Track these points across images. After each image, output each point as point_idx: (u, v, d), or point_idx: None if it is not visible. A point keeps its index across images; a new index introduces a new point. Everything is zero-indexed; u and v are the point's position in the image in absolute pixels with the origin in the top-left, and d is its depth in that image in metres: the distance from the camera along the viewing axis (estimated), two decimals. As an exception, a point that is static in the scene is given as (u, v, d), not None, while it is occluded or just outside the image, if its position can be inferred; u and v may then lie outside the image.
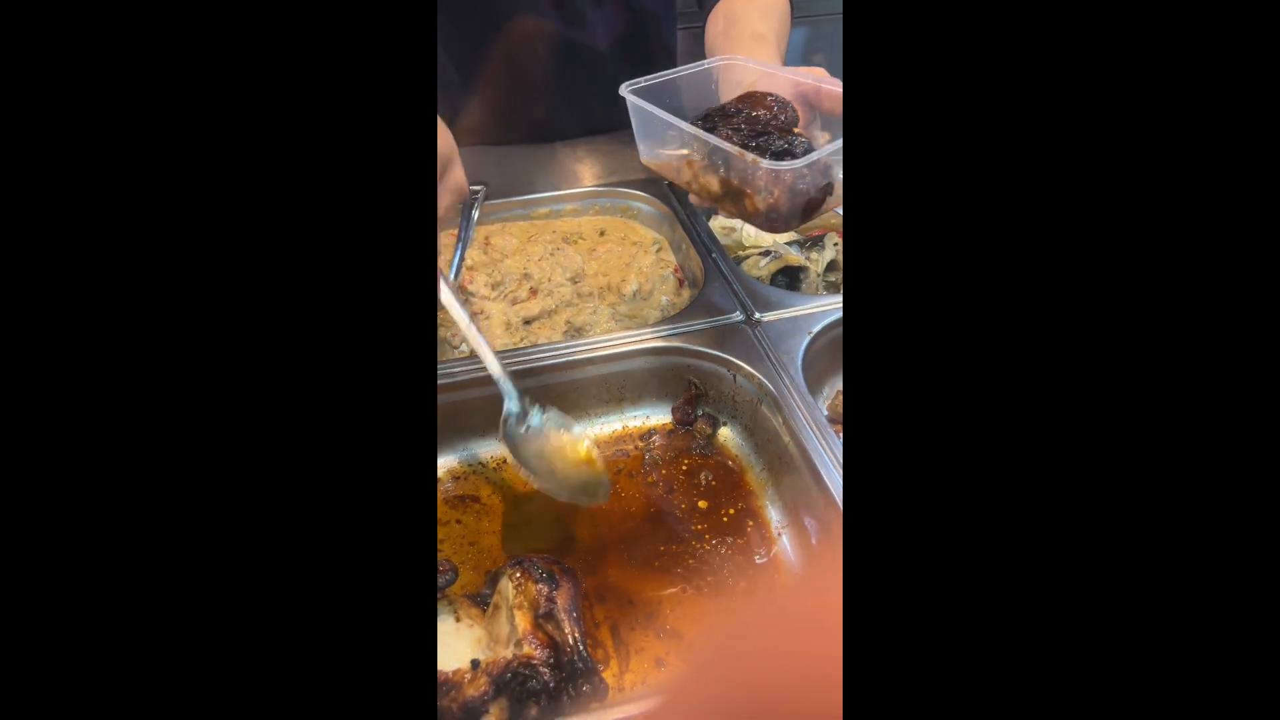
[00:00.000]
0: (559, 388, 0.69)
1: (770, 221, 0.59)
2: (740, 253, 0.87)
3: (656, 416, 0.71)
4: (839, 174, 0.60)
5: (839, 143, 0.56)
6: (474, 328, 0.60)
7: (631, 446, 0.69)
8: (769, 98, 0.62)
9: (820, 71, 0.66)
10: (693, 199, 0.64)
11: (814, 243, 0.85)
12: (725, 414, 0.70)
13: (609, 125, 1.04)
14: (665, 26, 1.07)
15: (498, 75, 1.01)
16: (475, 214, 0.87)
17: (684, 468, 0.67)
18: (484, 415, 0.68)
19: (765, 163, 0.55)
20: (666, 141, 0.64)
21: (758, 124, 0.59)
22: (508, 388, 0.60)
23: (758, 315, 0.72)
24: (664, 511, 0.63)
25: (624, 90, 0.63)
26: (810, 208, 0.59)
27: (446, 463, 0.67)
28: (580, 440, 0.62)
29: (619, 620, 0.55)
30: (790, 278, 0.83)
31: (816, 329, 0.70)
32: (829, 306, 0.72)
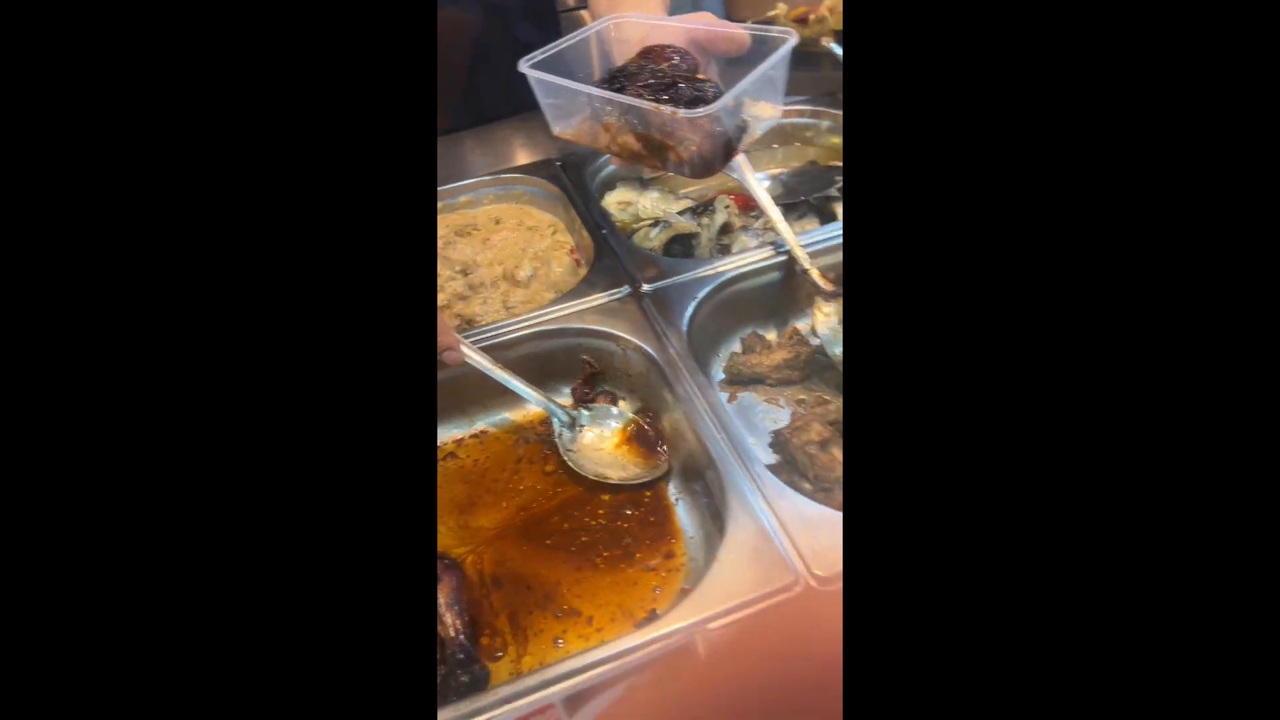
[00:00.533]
0: (452, 382, 0.68)
1: (695, 168, 0.60)
2: (634, 225, 0.86)
3: (556, 399, 0.71)
4: (752, 110, 0.62)
5: (749, 78, 0.57)
6: (502, 370, 0.63)
7: (532, 434, 0.69)
8: (668, 49, 0.63)
9: (708, 16, 0.67)
10: (615, 162, 0.65)
11: (705, 208, 0.85)
12: (622, 389, 0.70)
13: (496, 114, 1.02)
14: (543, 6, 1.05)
15: None
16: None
17: (584, 447, 0.67)
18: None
19: (683, 112, 0.55)
20: (576, 110, 0.64)
21: (664, 77, 0.60)
22: (552, 408, 0.65)
23: (645, 287, 0.72)
24: (564, 494, 0.63)
25: (523, 66, 0.63)
26: (730, 148, 0.61)
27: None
28: (619, 424, 0.66)
29: (517, 606, 0.55)
30: (684, 245, 0.83)
31: (703, 293, 0.70)
32: (718, 270, 0.73)
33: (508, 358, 0.70)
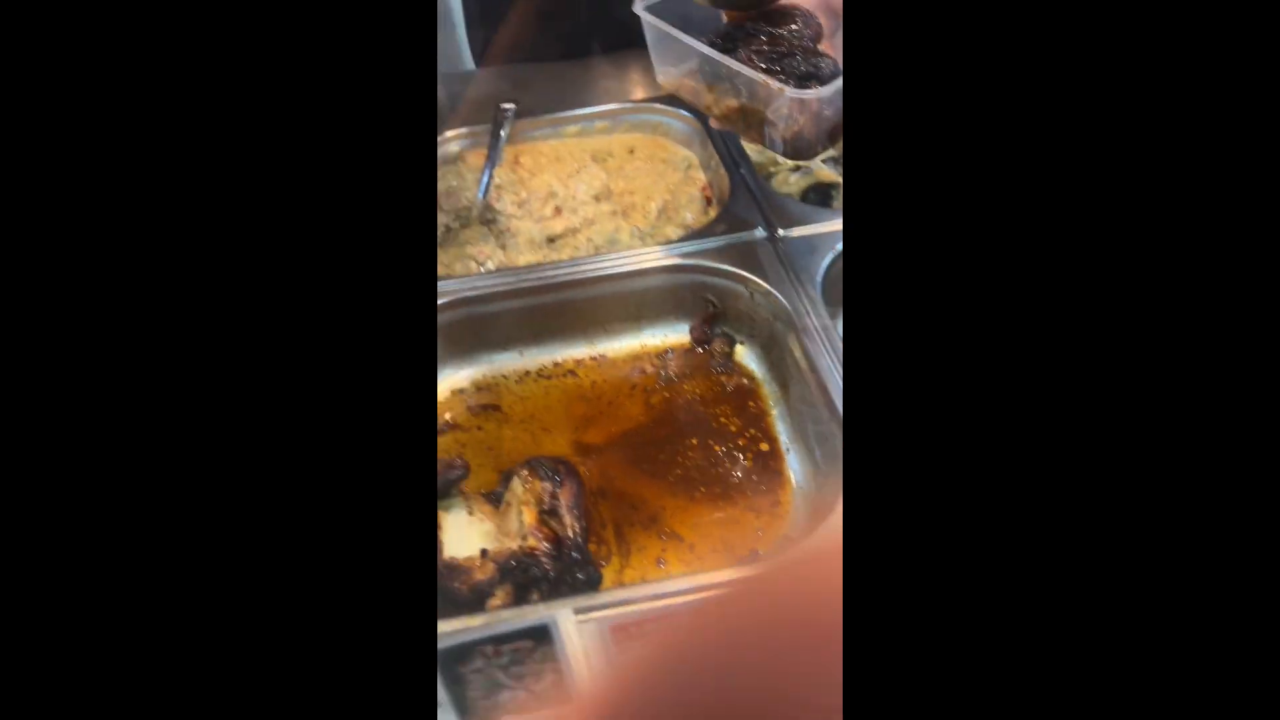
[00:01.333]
0: (577, 304, 0.70)
1: (795, 149, 0.58)
2: (771, 169, 0.84)
3: (674, 335, 0.72)
4: None
5: None
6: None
7: (648, 364, 0.70)
8: (793, 12, 0.59)
9: None
10: (713, 122, 0.63)
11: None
12: (743, 333, 0.70)
13: (641, 39, 1.01)
14: None
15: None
16: (505, 133, 0.88)
17: (698, 385, 0.68)
18: (506, 329, 0.70)
19: (790, 91, 0.52)
20: (685, 60, 0.62)
21: (781, 44, 0.56)
22: None
23: (781, 232, 0.70)
24: (675, 426, 0.65)
25: (638, 7, 0.61)
26: (836, 133, 0.58)
27: (470, 374, 0.70)
28: None
29: (622, 520, 0.57)
30: (822, 195, 0.81)
31: (841, 246, 0.68)
32: (857, 224, 0.70)
33: (634, 288, 0.71)
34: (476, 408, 0.67)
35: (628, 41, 1.02)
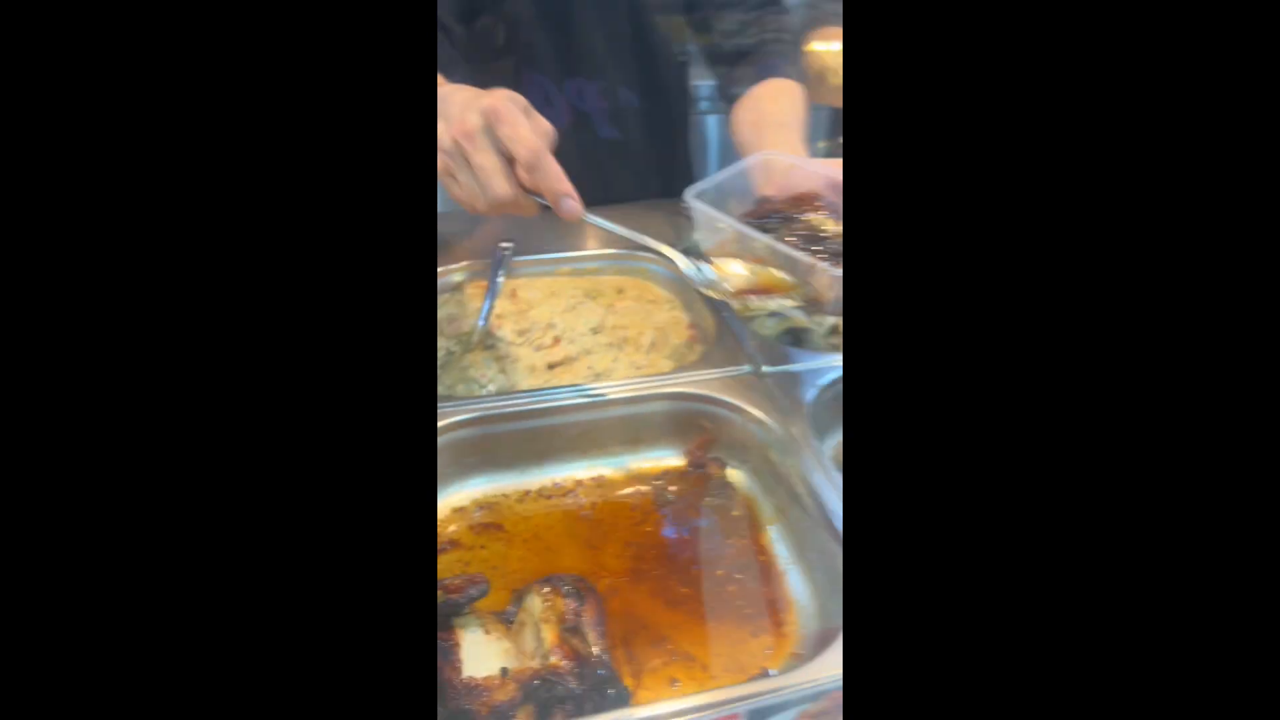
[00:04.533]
0: (578, 427, 0.73)
1: (821, 309, 0.73)
2: (747, 314, 0.93)
3: (670, 459, 0.76)
4: None
5: None
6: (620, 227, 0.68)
7: (646, 486, 0.73)
8: (817, 200, 0.75)
9: (840, 163, 0.77)
10: (736, 298, 0.74)
11: (817, 306, 0.92)
12: (736, 456, 0.75)
13: (628, 196, 1.13)
14: (682, 111, 1.18)
15: None
16: (504, 268, 0.94)
17: (694, 507, 0.71)
18: (511, 449, 0.72)
19: (834, 271, 0.66)
20: (723, 235, 0.75)
21: (814, 229, 0.72)
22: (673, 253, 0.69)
23: (766, 368, 0.78)
24: (677, 546, 0.67)
25: (688, 197, 0.74)
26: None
27: (472, 493, 0.71)
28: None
29: (632, 640, 0.57)
30: (796, 338, 0.90)
31: (824, 382, 0.76)
32: (834, 364, 0.78)
33: (631, 413, 0.75)
34: (479, 526, 0.68)
35: (611, 199, 1.15)
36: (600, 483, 0.73)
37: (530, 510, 0.70)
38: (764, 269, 0.71)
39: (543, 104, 1.06)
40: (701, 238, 0.75)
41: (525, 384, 0.81)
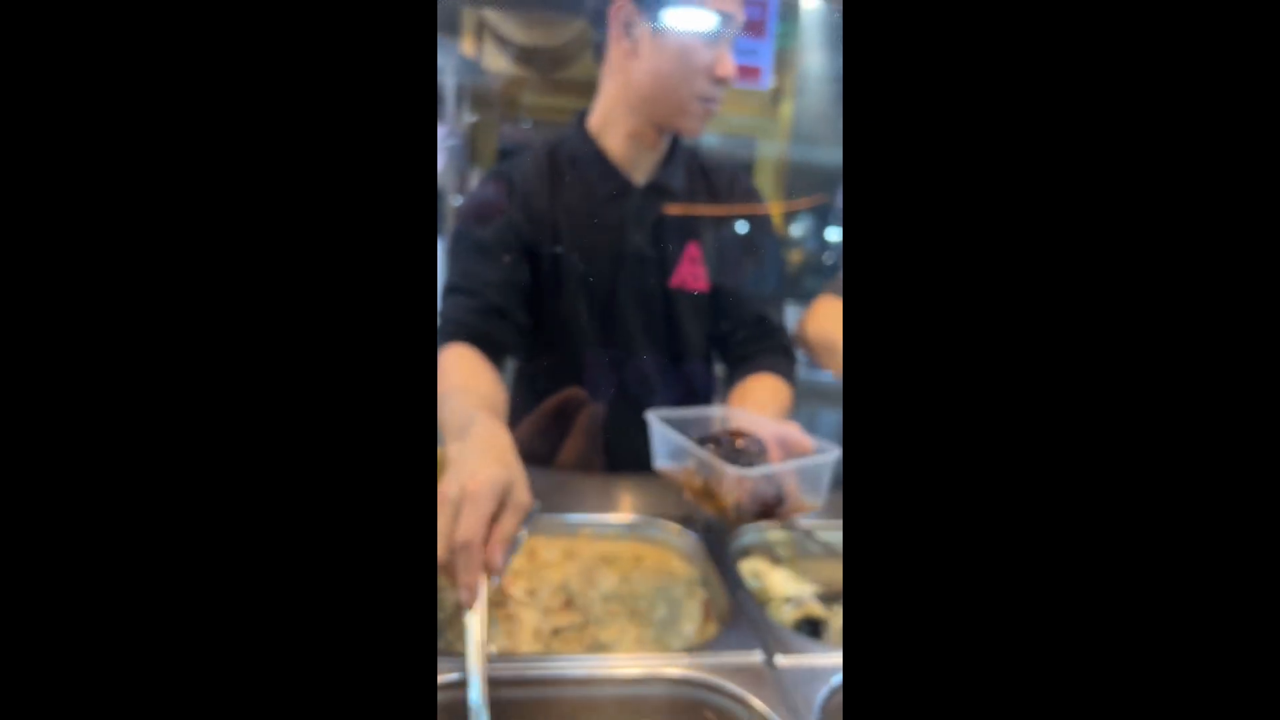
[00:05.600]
0: (574, 702, 0.69)
1: (737, 516, 0.86)
2: (766, 598, 0.91)
3: None
4: (793, 489, 0.87)
5: (791, 464, 0.86)
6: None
7: (638, 785, 0.65)
8: (747, 435, 0.91)
9: (795, 427, 0.93)
10: (685, 495, 0.91)
11: (837, 596, 0.89)
12: (740, 762, 0.67)
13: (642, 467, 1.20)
14: (705, 396, 1.30)
15: (563, 421, 1.22)
16: (527, 527, 0.97)
17: (691, 819, 0.62)
18: (505, 716, 0.68)
19: (731, 470, 0.81)
20: (674, 457, 0.95)
21: (737, 449, 0.88)
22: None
23: (779, 658, 0.74)
24: None
25: (649, 415, 0.94)
26: (766, 511, 0.86)
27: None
28: None
29: None
30: (813, 628, 0.86)
31: (836, 679, 0.71)
32: (849, 661, 0.74)
33: (633, 693, 0.71)
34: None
35: (637, 468, 1.21)
36: (588, 776, 0.66)
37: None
38: (695, 475, 0.90)
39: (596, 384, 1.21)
40: (655, 451, 0.95)
41: (526, 647, 0.78)
